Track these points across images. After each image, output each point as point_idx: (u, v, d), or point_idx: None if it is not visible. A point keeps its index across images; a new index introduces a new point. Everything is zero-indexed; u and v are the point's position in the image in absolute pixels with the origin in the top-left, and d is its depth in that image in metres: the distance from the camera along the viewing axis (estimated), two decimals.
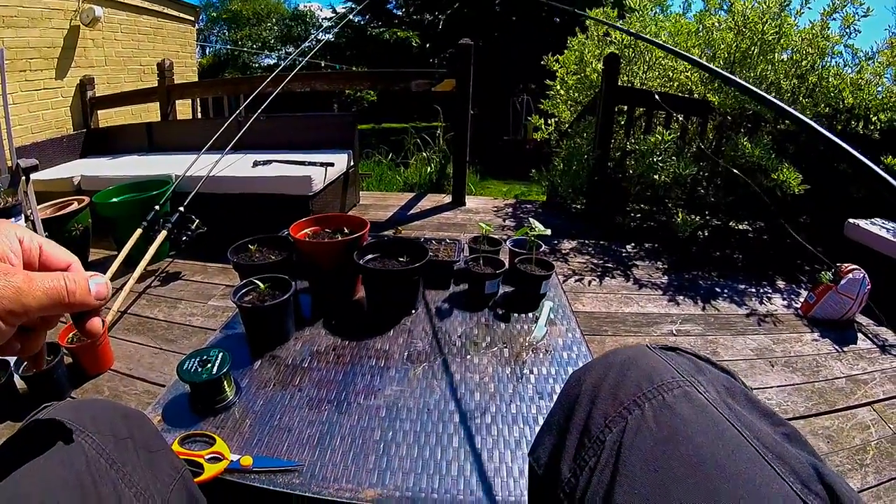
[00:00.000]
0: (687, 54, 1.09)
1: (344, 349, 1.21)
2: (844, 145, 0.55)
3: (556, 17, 13.28)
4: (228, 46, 19.84)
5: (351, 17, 14.67)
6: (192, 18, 7.15)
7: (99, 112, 5.08)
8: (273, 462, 0.87)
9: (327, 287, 1.47)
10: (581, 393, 0.58)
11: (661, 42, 3.44)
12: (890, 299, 2.54)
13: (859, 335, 2.48)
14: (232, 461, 0.86)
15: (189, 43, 7.13)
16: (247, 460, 0.86)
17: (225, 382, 1.01)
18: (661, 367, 0.55)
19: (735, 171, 2.99)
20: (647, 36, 3.98)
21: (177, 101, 4.94)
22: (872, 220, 3.07)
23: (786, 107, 0.65)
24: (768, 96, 0.66)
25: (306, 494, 0.82)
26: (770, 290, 2.93)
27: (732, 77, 0.79)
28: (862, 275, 2.50)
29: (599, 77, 3.92)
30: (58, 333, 1.93)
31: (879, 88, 3.30)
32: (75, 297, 0.45)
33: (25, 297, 0.41)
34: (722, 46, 3.58)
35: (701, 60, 1.05)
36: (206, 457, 0.87)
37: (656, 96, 3.58)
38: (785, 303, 2.78)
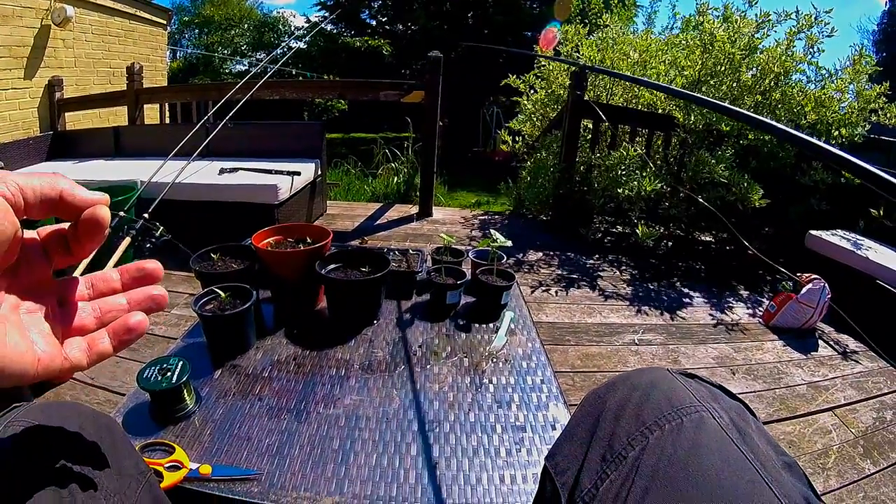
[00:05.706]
0: (648, 80, 1.13)
1: (304, 359, 1.22)
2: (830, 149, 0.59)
3: (527, 31, 13.44)
4: (200, 51, 19.54)
5: (323, 25, 14.61)
6: (164, 22, 7.08)
7: (67, 114, 4.99)
8: (232, 471, 0.88)
9: (289, 297, 1.47)
10: (605, 409, 0.63)
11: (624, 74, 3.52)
12: (851, 309, 2.61)
13: (820, 342, 2.55)
14: (191, 470, 0.86)
15: (160, 46, 7.04)
16: (206, 469, 0.86)
17: (185, 391, 1.01)
18: (680, 392, 0.60)
19: (692, 193, 3.06)
20: (616, 53, 4.08)
21: (145, 106, 4.86)
22: (833, 231, 3.18)
23: (753, 114, 0.69)
24: (737, 108, 0.70)
25: (265, 503, 0.83)
26: (732, 300, 3.00)
27: (693, 94, 0.83)
28: (822, 284, 2.57)
29: (566, 92, 3.99)
30: None
31: (843, 105, 3.39)
32: (63, 183, 0.40)
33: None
34: (688, 64, 3.67)
35: (659, 83, 1.09)
36: (166, 465, 0.86)
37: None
38: (747, 312, 2.85)
